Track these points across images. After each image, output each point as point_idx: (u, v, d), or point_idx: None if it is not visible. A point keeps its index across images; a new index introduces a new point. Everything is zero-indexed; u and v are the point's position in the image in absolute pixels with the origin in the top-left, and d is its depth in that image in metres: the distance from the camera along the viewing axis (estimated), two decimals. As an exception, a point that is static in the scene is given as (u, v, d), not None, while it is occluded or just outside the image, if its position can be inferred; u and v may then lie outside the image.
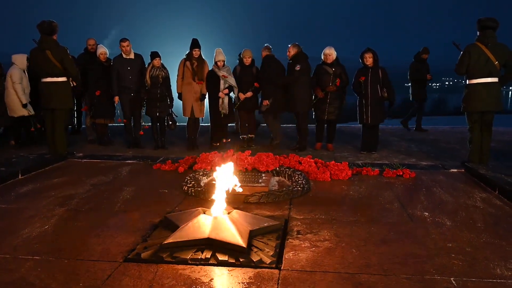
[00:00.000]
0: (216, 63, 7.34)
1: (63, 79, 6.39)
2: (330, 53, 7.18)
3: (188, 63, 7.34)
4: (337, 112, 7.29)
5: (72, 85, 6.77)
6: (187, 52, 7.42)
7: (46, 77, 6.31)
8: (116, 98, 7.51)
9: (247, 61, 7.50)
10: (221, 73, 7.28)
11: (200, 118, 7.56)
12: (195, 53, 7.32)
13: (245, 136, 7.75)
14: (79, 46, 8.72)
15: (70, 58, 6.47)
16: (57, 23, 6.31)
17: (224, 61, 7.37)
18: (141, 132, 7.80)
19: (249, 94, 7.37)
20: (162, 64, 7.42)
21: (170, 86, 7.51)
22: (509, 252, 3.23)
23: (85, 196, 4.67)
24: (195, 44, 7.38)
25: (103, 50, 7.72)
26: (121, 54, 7.54)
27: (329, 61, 7.17)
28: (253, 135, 7.83)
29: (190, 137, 7.57)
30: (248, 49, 7.71)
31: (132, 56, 7.55)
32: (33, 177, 5.48)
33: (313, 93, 7.25)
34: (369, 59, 6.90)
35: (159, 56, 7.40)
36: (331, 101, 7.17)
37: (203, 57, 7.49)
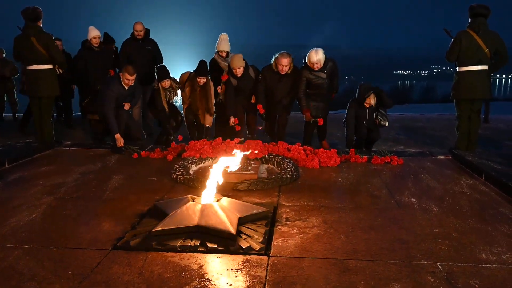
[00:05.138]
0: (218, 52, 6.58)
1: (49, 66, 6.29)
2: (319, 60, 6.09)
3: (189, 89, 6.48)
4: (325, 113, 6.57)
5: (58, 72, 6.65)
6: (194, 70, 6.48)
7: (32, 64, 6.21)
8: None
9: (238, 72, 6.27)
10: (224, 64, 6.49)
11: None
12: (200, 81, 6.40)
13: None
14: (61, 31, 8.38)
15: (56, 45, 6.37)
16: (41, 9, 6.20)
17: (228, 52, 6.57)
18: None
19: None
20: (173, 79, 6.61)
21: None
22: (495, 237, 3.28)
23: (73, 184, 4.64)
24: (201, 70, 6.36)
25: (95, 34, 7.10)
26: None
27: (317, 69, 6.18)
28: None
29: (193, 138, 6.68)
30: (237, 56, 6.34)
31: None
32: (20, 165, 5.43)
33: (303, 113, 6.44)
34: (372, 101, 6.07)
35: (169, 77, 6.51)
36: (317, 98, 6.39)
37: (209, 78, 6.52)
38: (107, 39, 8.00)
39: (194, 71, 6.50)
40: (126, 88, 6.10)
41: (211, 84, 6.54)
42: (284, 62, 6.18)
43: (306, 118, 6.40)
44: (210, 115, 6.60)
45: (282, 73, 6.27)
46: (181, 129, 6.96)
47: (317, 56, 6.07)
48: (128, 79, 6.03)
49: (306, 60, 6.23)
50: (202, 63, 6.43)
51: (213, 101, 6.53)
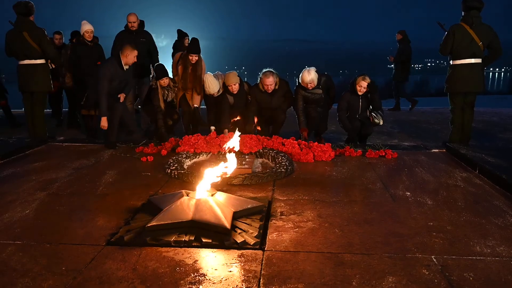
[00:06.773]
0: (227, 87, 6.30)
1: (42, 61, 6.24)
2: (312, 80, 6.11)
3: (182, 67, 6.33)
4: (322, 117, 6.56)
5: (50, 67, 6.58)
6: (185, 49, 6.33)
7: (24, 59, 6.16)
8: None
9: (234, 89, 6.26)
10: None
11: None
12: (192, 58, 6.27)
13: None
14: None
15: (48, 40, 6.31)
16: (33, 4, 6.13)
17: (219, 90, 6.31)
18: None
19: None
20: (171, 78, 6.50)
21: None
22: (489, 230, 3.30)
23: (66, 180, 4.61)
24: (193, 47, 6.23)
25: (88, 28, 6.86)
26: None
27: (311, 88, 6.24)
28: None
29: (187, 128, 6.73)
30: (232, 74, 6.33)
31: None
32: (13, 161, 5.39)
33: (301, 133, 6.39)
34: (362, 89, 6.06)
35: (167, 75, 6.40)
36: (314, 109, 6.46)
37: (201, 56, 6.38)
38: (181, 34, 7.95)
39: (186, 49, 6.37)
40: (125, 69, 5.83)
41: (203, 63, 6.45)
42: (268, 82, 6.19)
43: (302, 136, 6.33)
44: (198, 95, 6.51)
45: (269, 92, 6.28)
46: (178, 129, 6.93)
47: (309, 76, 6.10)
48: (129, 55, 5.76)
49: (300, 81, 6.24)
50: (194, 41, 6.29)
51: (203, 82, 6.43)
